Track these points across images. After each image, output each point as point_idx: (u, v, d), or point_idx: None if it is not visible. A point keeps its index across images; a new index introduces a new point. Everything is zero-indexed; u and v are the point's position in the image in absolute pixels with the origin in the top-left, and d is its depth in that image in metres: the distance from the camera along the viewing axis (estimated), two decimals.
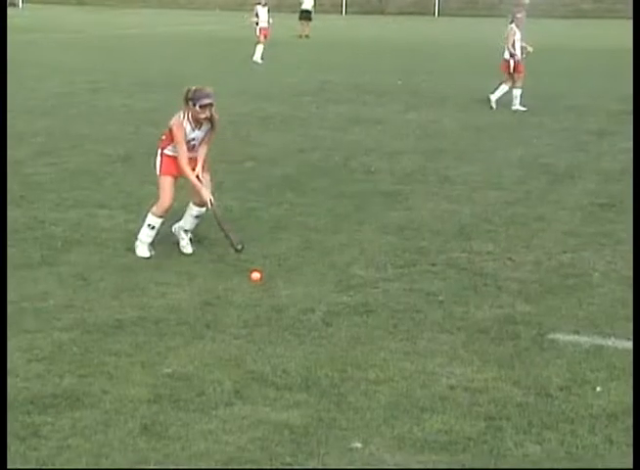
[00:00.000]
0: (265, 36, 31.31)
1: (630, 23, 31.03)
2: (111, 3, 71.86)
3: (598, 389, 6.06)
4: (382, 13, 64.78)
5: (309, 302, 7.70)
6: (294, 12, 44.20)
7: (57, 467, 5.07)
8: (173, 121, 8.77)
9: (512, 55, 20.35)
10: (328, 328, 7.13)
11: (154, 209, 9.02)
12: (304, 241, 9.46)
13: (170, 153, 8.89)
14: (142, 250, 8.95)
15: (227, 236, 8.85)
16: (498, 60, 21.01)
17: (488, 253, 9.19)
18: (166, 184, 8.93)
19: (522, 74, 20.39)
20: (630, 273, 8.50)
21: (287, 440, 5.34)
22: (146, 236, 9.00)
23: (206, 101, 8.68)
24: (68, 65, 28.12)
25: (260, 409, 5.71)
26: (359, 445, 5.29)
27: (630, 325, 7.16)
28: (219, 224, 8.93)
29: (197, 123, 8.78)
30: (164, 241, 9.17)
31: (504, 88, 20.38)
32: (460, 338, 6.98)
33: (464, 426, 5.53)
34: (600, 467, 5.19)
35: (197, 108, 8.67)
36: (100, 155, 14.04)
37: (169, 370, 6.27)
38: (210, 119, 8.77)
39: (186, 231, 9.13)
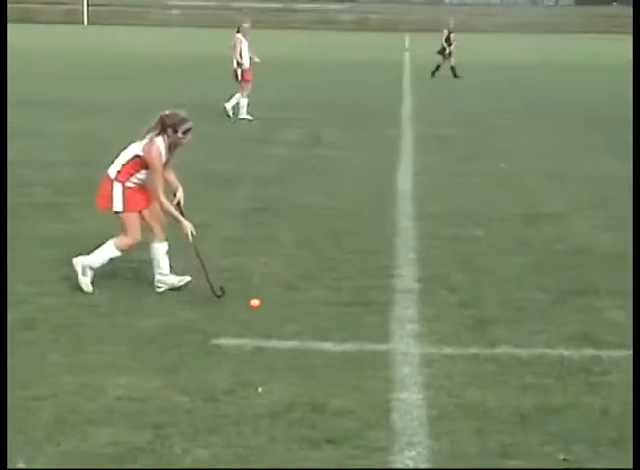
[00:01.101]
0: None
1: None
2: None
3: (260, 389, 6.23)
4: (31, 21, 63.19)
5: None
6: None
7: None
8: (151, 151, 8.06)
9: (239, 64, 20.61)
10: None
11: (118, 241, 8.29)
12: None
13: (134, 185, 8.20)
14: (87, 282, 8.26)
15: (207, 277, 8.15)
16: (152, 69, 21.09)
17: (148, 262, 9.18)
18: (134, 220, 8.23)
19: (248, 84, 20.63)
20: (287, 277, 8.80)
21: None
22: (98, 264, 8.29)
23: (189, 125, 8.16)
24: None
25: None
26: (23, 465, 5.15)
27: (290, 326, 7.44)
28: (200, 262, 8.22)
29: (171, 149, 8.22)
30: None
31: (237, 97, 20.59)
32: (125, 348, 6.96)
33: (131, 436, 5.52)
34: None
35: (179, 134, 8.12)
36: None
37: None
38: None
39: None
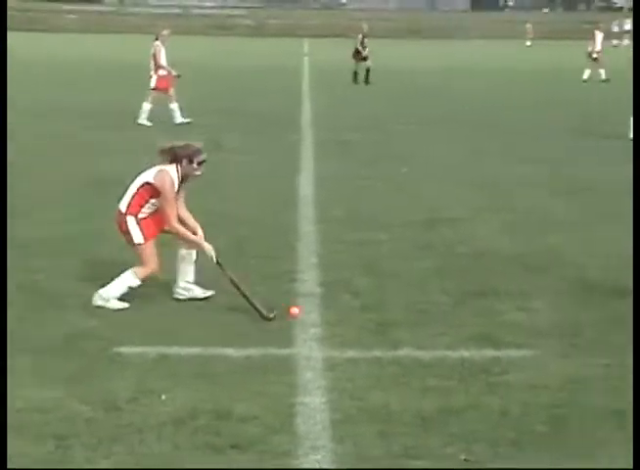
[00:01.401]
0: None
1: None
2: None
3: (163, 397, 6.19)
4: None
5: None
6: None
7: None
8: (164, 180, 7.96)
9: (157, 70, 20.47)
10: None
11: (137, 271, 8.06)
12: None
13: (146, 214, 8.05)
14: (117, 303, 8.04)
15: (250, 302, 7.86)
16: (57, 73, 20.83)
17: (48, 270, 9.06)
18: (150, 249, 8.06)
19: (163, 91, 20.48)
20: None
21: None
22: (118, 293, 8.05)
23: (204, 157, 8.03)
24: None
25: None
26: None
27: (193, 333, 7.41)
28: (235, 286, 7.99)
29: (183, 180, 8.09)
30: None
31: (174, 106, 20.56)
32: (27, 359, 6.84)
33: (33, 448, 5.44)
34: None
35: (194, 165, 8.00)
36: None
37: None
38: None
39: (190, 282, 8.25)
